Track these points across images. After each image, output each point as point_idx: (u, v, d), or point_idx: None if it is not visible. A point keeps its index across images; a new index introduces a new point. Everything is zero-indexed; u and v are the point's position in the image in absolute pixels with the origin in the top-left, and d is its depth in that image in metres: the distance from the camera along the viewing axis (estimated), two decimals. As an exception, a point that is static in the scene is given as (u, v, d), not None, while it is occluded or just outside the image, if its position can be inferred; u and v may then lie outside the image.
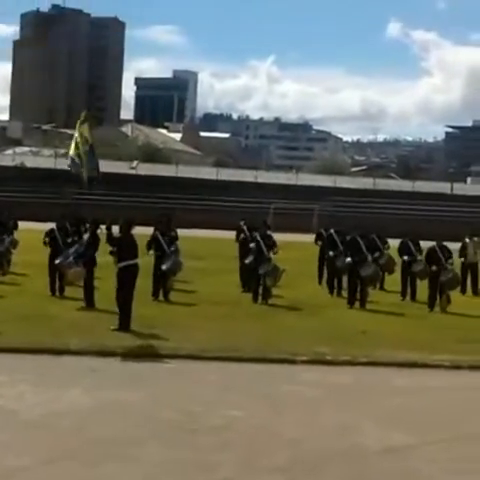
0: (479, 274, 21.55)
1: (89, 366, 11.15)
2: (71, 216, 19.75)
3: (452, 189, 60.14)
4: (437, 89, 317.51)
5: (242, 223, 21.71)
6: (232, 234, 22.78)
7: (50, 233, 18.02)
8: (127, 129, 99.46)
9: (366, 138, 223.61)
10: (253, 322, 15.36)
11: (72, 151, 21.13)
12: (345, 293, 18.64)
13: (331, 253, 19.92)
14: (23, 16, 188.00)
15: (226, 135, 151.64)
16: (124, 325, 13.71)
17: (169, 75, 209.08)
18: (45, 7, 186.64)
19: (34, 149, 74.94)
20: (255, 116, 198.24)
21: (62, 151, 58.23)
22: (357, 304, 17.83)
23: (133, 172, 56.48)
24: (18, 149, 70.37)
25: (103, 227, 15.04)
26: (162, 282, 17.91)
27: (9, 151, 68.78)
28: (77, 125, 17.77)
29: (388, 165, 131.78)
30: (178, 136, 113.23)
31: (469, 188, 65.72)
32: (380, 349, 13.00)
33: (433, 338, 14.35)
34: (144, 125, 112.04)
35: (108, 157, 51.65)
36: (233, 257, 22.04)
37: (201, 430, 8.54)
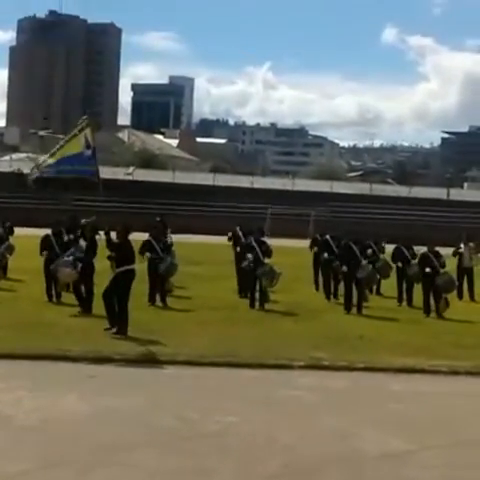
0: (475, 279, 21.57)
1: (86, 372, 11.13)
2: (70, 222, 19.49)
3: (449, 195, 60.06)
4: (433, 95, 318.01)
5: (238, 229, 21.73)
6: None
7: (45, 239, 17.99)
8: (123, 135, 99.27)
9: (362, 143, 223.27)
10: (250, 327, 15.35)
11: (51, 159, 19.92)
12: (342, 298, 18.66)
13: (325, 255, 19.98)
14: (20, 22, 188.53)
15: (222, 141, 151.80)
16: (121, 330, 13.71)
17: (165, 81, 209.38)
18: (42, 13, 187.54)
19: (31, 155, 74.80)
20: (251, 122, 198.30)
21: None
22: (354, 309, 17.86)
23: (129, 178, 56.39)
24: (15, 156, 70.25)
25: (102, 233, 15.08)
26: (160, 285, 17.94)
27: (6, 157, 68.69)
28: (76, 129, 17.62)
29: (384, 170, 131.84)
30: (175, 142, 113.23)
31: (466, 193, 65.63)
32: (377, 354, 13.00)
33: (430, 343, 14.35)
34: (141, 131, 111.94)
35: (105, 163, 51.52)
36: (229, 262, 22.04)
37: (198, 436, 8.52)
